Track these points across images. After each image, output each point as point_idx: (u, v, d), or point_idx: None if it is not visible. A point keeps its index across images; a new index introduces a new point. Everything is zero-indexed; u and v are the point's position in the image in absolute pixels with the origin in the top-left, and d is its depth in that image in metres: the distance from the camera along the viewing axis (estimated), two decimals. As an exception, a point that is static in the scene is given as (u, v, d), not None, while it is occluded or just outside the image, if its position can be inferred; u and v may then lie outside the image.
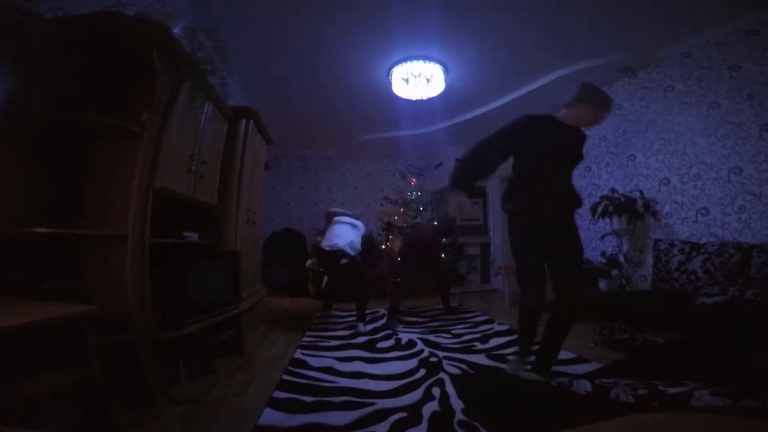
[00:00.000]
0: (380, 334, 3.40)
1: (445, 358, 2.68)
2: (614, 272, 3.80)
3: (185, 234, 2.45)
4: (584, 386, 1.22)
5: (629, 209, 3.70)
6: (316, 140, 6.76)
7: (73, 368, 1.35)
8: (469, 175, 2.18)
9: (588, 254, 4.38)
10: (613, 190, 3.87)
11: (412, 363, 2.60)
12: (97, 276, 1.81)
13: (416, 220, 6.32)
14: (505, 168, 2.32)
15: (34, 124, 1.58)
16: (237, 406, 1.96)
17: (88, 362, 1.37)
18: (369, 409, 1.87)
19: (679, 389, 0.89)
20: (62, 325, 1.32)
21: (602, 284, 3.77)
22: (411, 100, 4.24)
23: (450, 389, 2.10)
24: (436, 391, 2.08)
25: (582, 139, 2.28)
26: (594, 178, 4.50)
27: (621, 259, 3.83)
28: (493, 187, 6.65)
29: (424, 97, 4.10)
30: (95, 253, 1.83)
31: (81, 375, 1.35)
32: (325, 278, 4.66)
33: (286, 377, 2.34)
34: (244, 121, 3.14)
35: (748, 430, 0.58)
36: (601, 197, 3.89)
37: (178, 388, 2.08)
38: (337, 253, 3.76)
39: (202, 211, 2.70)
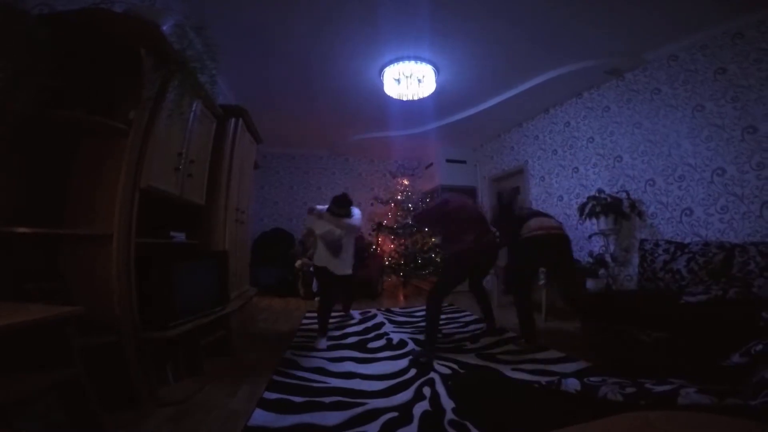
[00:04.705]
0: (372, 334, 3.39)
1: (436, 357, 2.69)
2: (601, 272, 3.86)
3: (172, 234, 2.41)
4: (573, 385, 1.23)
5: (615, 210, 3.77)
6: (305, 140, 6.72)
7: (56, 370, 1.32)
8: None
9: (576, 254, 4.45)
10: (600, 191, 3.94)
11: (403, 363, 2.60)
12: (82, 276, 1.78)
13: (407, 221, 6.33)
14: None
15: (18, 121, 1.54)
16: (227, 407, 1.94)
17: (71, 364, 1.35)
18: (360, 409, 1.87)
19: (666, 387, 0.91)
20: (45, 327, 1.29)
21: (589, 283, 3.82)
22: (402, 101, 4.24)
23: (440, 388, 2.11)
24: (426, 391, 2.09)
25: None
26: (581, 178, 4.56)
27: (608, 258, 3.89)
28: (483, 187, 6.70)
29: (416, 98, 4.11)
30: (80, 253, 1.80)
31: (65, 377, 1.32)
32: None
33: (276, 378, 2.32)
34: (233, 120, 3.11)
35: (735, 428, 0.59)
36: (588, 198, 3.94)
37: (166, 390, 2.05)
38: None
39: (189, 210, 2.67)
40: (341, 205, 3.27)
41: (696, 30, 3.22)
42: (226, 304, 2.70)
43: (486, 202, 6.57)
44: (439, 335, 3.19)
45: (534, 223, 2.93)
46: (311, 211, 3.40)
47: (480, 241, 2.89)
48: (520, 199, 2.97)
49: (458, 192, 3.85)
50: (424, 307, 2.92)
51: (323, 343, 3.11)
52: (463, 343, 3.10)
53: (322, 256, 3.28)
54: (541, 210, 3.03)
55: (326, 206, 3.35)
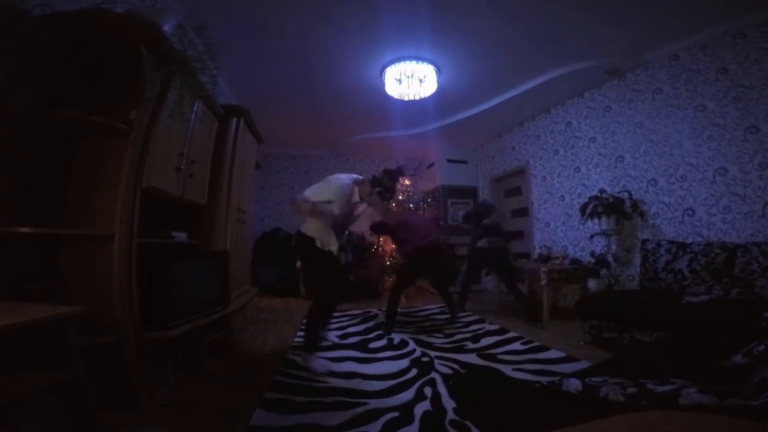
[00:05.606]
0: (372, 334, 3.39)
1: (437, 357, 2.68)
2: (603, 272, 3.85)
3: (174, 234, 2.42)
4: (574, 385, 1.23)
5: (617, 210, 3.75)
6: (306, 140, 6.72)
7: (56, 370, 1.32)
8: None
9: (577, 254, 4.45)
10: (602, 191, 3.92)
11: (404, 363, 2.59)
12: (83, 276, 1.78)
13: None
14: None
15: (18, 121, 1.54)
16: (227, 407, 1.94)
17: (71, 364, 1.35)
18: (361, 409, 1.87)
19: (668, 387, 0.90)
20: (45, 327, 1.29)
21: (591, 283, 3.81)
22: (403, 101, 4.23)
23: (441, 389, 2.10)
24: (427, 391, 2.08)
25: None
26: (583, 178, 4.55)
27: (609, 258, 3.87)
28: (483, 186, 6.69)
29: (417, 98, 4.10)
30: (80, 253, 1.80)
31: (65, 377, 1.32)
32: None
33: (277, 377, 2.32)
34: (234, 120, 3.11)
35: (735, 428, 0.59)
36: (590, 198, 3.93)
37: (166, 390, 2.05)
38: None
39: (190, 210, 2.67)
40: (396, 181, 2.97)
41: (696, 30, 3.21)
42: (226, 303, 2.70)
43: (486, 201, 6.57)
44: (436, 329, 3.44)
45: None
46: (361, 182, 2.92)
47: (416, 248, 3.61)
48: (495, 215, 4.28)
49: (420, 216, 5.53)
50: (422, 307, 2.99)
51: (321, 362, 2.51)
52: (465, 343, 3.09)
53: (324, 233, 2.64)
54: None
55: (354, 177, 3.00)
